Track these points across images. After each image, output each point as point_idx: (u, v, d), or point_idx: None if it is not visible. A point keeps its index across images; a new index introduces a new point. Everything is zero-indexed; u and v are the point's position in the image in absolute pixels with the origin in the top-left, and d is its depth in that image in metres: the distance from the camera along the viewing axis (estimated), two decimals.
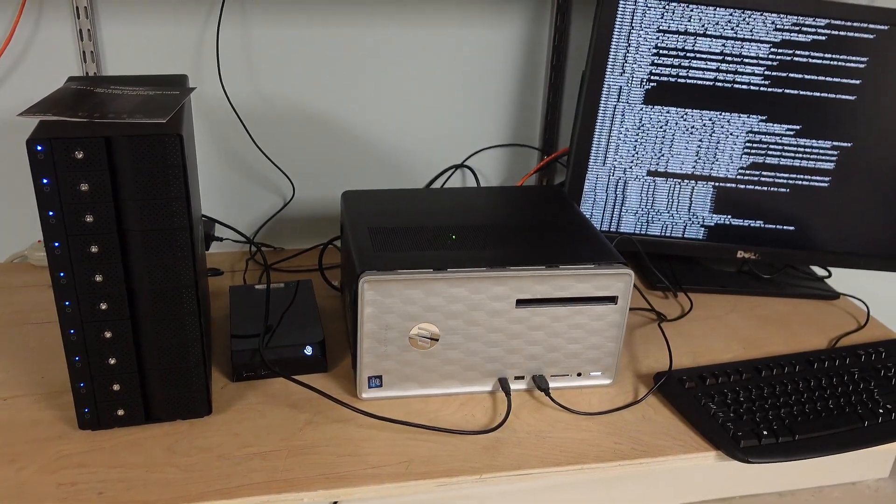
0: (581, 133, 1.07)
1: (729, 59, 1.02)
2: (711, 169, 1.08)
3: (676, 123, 1.06)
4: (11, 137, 1.09)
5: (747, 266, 1.20)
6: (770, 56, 1.02)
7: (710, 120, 1.05)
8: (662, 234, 1.13)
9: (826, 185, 1.09)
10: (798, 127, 1.06)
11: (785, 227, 1.11)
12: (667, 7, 1.00)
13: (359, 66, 1.15)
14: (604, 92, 1.05)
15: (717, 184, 1.09)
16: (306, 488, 0.71)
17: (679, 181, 1.09)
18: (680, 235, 1.13)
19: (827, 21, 1.00)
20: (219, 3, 1.07)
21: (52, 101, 0.74)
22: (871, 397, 0.87)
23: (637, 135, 1.07)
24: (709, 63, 1.02)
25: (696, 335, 1.01)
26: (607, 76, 1.04)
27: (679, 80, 1.03)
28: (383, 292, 0.79)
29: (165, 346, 0.75)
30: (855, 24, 1.00)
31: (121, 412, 0.76)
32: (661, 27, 1.01)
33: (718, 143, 1.07)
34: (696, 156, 1.08)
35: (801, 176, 1.08)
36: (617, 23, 1.01)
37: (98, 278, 0.70)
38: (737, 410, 0.83)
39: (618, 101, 1.05)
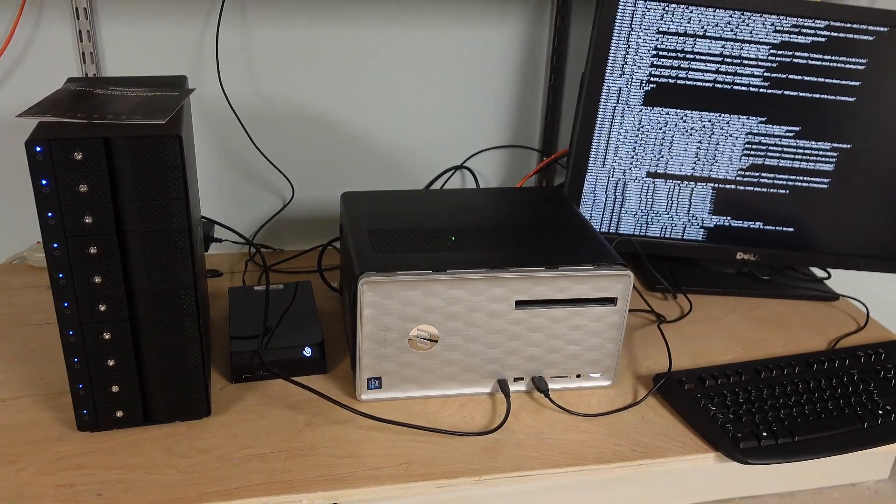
0: (580, 134, 1.07)
1: (728, 60, 1.02)
2: (711, 170, 1.08)
3: (676, 125, 1.06)
4: (11, 138, 1.09)
5: (747, 267, 1.20)
6: (769, 58, 1.02)
7: (709, 121, 1.05)
8: (662, 235, 1.13)
9: (825, 186, 1.09)
10: (797, 128, 1.06)
11: (784, 229, 1.11)
12: (666, 8, 1.00)
13: (359, 66, 1.15)
14: (603, 93, 1.05)
15: (716, 185, 1.09)
16: (305, 490, 0.71)
17: (678, 182, 1.09)
18: (679, 237, 1.13)
19: (826, 23, 1.00)
20: (218, 4, 1.07)
21: (52, 102, 0.74)
22: (870, 398, 0.87)
23: (636, 136, 1.07)
24: (708, 64, 1.02)
25: (696, 336, 1.01)
26: (607, 77, 1.04)
27: (678, 81, 1.03)
28: (383, 294, 0.79)
29: (164, 348, 0.75)
30: (854, 25, 1.00)
31: (120, 413, 0.76)
32: (660, 28, 1.01)
33: (718, 144, 1.07)
34: (696, 157, 1.08)
35: (801, 177, 1.08)
36: (616, 24, 1.01)
37: (97, 279, 0.70)
38: (736, 412, 0.83)
39: (617, 102, 1.05)
